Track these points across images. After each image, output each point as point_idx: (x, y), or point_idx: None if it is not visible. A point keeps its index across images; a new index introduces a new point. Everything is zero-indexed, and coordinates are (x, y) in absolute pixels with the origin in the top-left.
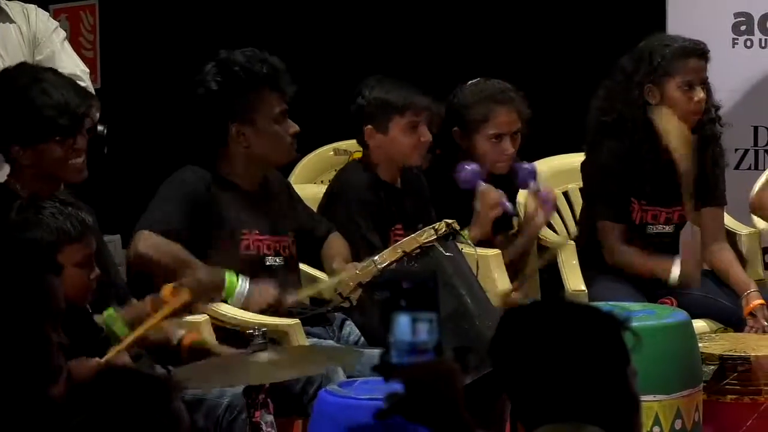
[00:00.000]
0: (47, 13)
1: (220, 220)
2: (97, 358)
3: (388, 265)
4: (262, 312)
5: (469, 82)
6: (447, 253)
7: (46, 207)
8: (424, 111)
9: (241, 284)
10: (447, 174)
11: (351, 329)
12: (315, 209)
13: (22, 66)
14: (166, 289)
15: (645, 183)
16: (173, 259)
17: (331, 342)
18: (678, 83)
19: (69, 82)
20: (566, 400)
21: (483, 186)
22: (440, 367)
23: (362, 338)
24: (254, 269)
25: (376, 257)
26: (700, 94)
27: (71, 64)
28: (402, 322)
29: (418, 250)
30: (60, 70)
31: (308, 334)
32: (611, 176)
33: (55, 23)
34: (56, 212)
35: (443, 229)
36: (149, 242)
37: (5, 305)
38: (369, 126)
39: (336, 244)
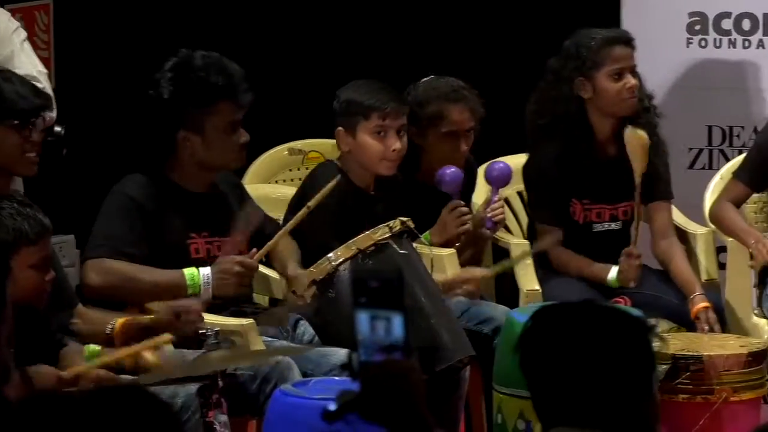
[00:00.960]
0: (8, 14)
1: (167, 226)
2: (57, 370)
3: (342, 262)
4: (237, 289)
5: (423, 80)
6: (401, 251)
7: (4, 207)
8: (392, 116)
9: (203, 274)
10: (402, 172)
11: (305, 329)
12: (268, 210)
13: None
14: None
15: (586, 182)
16: (122, 279)
17: (285, 342)
18: (608, 72)
19: (27, 81)
20: (590, 403)
21: (455, 202)
22: (399, 365)
23: (316, 337)
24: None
25: (330, 254)
26: (631, 81)
27: (29, 65)
28: (370, 321)
29: (373, 248)
30: (17, 70)
31: (262, 336)
32: (547, 179)
33: (17, 24)
34: (14, 213)
35: (398, 227)
36: (95, 270)
37: None
38: (339, 128)
39: (285, 244)
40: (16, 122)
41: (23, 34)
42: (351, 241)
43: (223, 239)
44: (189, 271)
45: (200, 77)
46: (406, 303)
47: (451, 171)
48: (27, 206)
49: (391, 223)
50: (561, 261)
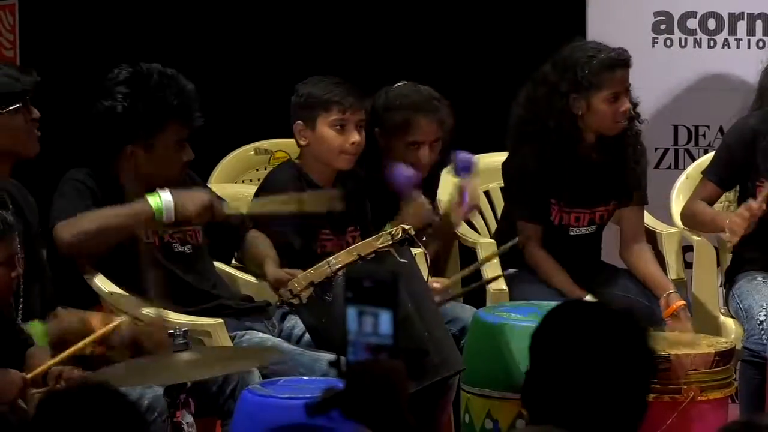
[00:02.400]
0: None
1: None
2: (21, 374)
3: (341, 267)
4: (200, 218)
5: (396, 85)
6: (401, 259)
7: None
8: (351, 110)
9: (164, 197)
10: (370, 172)
11: (296, 322)
12: None
13: None
14: (95, 319)
15: (565, 183)
16: (95, 222)
17: (269, 336)
18: (605, 96)
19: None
20: (585, 402)
21: (417, 196)
22: (384, 366)
23: (307, 334)
24: (161, 256)
25: (331, 258)
26: (625, 104)
27: None
28: (357, 317)
29: (373, 254)
30: None
31: (248, 329)
32: (530, 178)
33: None
34: None
35: (399, 235)
36: (67, 227)
37: None
38: (299, 122)
39: (261, 241)
40: (18, 105)
41: None
42: (352, 246)
43: (175, 228)
44: (152, 198)
45: (155, 96)
46: (398, 308)
47: (404, 173)
48: None
49: (392, 230)
50: (537, 261)
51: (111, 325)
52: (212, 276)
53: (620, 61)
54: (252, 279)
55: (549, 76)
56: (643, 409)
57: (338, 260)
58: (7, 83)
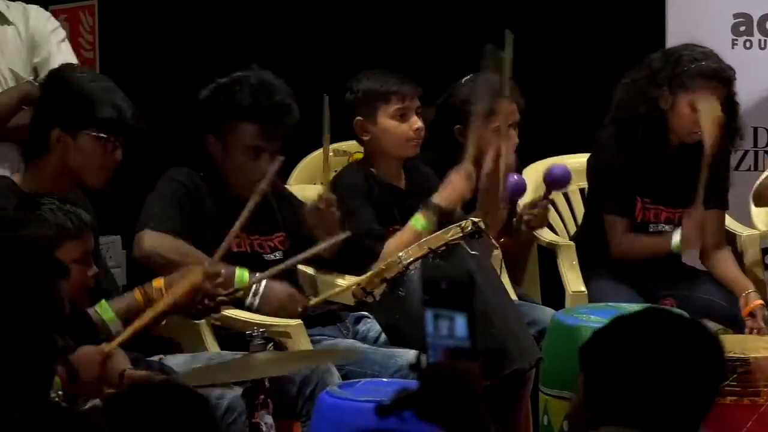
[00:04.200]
0: (48, 14)
1: (209, 218)
2: (99, 347)
3: (413, 261)
4: (276, 314)
5: (464, 79)
6: (472, 252)
7: (44, 203)
8: (410, 97)
9: (257, 277)
10: (444, 171)
11: (371, 326)
12: None
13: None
14: (157, 283)
15: (651, 182)
16: (179, 255)
17: (342, 339)
18: (690, 100)
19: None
20: (651, 408)
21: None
22: (460, 368)
23: (383, 335)
24: (250, 266)
25: (402, 253)
26: None
27: None
28: (434, 320)
29: (444, 248)
30: None
31: (321, 335)
32: (618, 173)
33: (56, 23)
34: (55, 209)
35: (469, 228)
36: (153, 240)
37: (12, 310)
38: (358, 118)
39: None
40: (102, 135)
41: (62, 33)
42: (423, 240)
43: (264, 237)
44: (240, 272)
45: (230, 91)
46: (474, 310)
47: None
48: (66, 203)
49: (462, 223)
50: (631, 246)
51: (178, 292)
52: (295, 280)
53: (720, 76)
54: (331, 279)
55: (654, 62)
56: (707, 410)
57: (409, 254)
58: (110, 112)
